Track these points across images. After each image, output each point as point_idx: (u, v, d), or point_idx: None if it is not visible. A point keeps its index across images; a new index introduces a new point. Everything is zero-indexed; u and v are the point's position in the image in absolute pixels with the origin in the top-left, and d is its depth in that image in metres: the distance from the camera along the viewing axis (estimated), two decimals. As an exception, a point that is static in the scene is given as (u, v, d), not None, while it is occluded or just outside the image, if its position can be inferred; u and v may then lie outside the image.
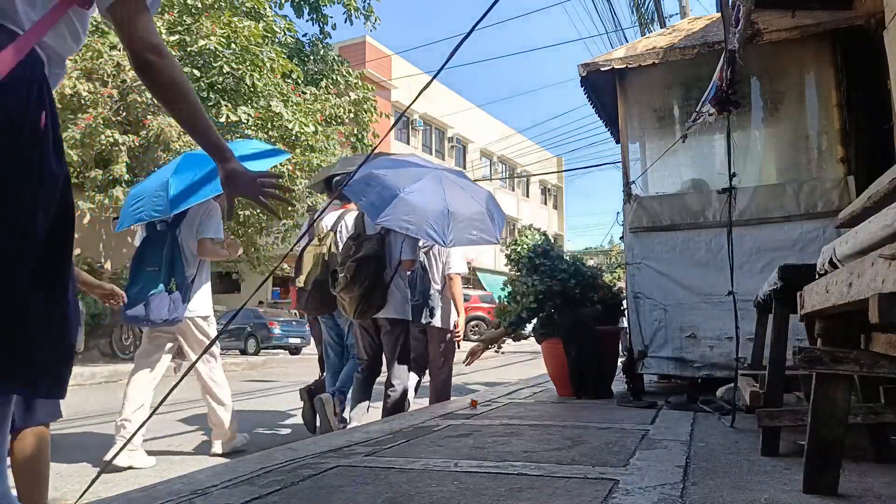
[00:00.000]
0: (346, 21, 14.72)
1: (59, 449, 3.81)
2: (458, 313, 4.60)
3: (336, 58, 14.47)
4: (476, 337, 13.87)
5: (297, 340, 16.52)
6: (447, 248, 4.43)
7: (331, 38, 14.96)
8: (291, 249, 3.25)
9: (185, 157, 3.92)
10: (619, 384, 4.84)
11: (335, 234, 4.37)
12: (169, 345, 3.76)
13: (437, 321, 4.50)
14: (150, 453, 3.54)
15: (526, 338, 4.99)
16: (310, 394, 4.25)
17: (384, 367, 4.07)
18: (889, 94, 3.41)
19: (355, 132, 13.47)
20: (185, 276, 3.54)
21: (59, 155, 1.27)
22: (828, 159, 4.25)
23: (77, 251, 10.81)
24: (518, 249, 4.81)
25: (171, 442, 4.10)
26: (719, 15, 3.45)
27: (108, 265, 11.24)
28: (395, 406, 3.93)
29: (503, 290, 4.96)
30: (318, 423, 4.06)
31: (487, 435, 2.91)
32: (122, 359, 10.27)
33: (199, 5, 10.28)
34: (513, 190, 35.75)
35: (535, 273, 4.56)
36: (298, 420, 4.90)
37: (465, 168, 30.80)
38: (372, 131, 13.96)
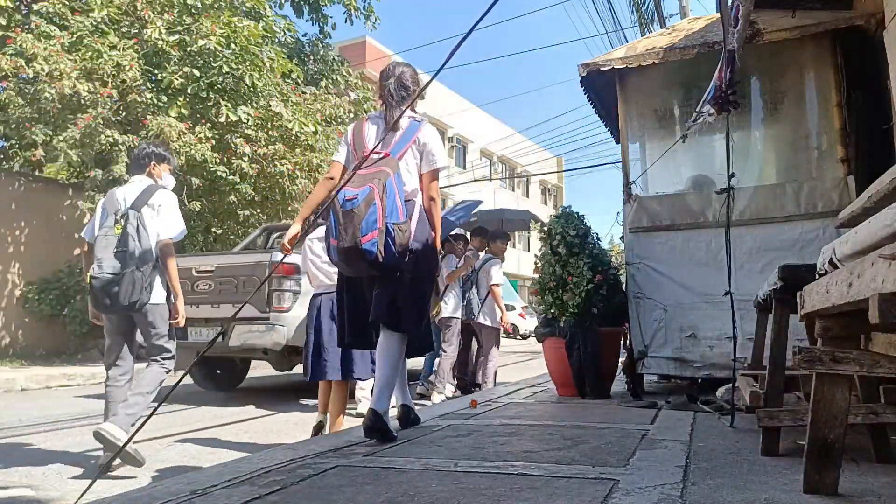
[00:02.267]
0: (346, 21, 14.71)
1: (59, 449, 3.81)
2: (501, 311, 6.14)
3: (336, 58, 14.47)
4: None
5: (297, 340, 16.47)
6: (491, 267, 6.13)
7: (331, 38, 14.96)
8: (291, 249, 3.26)
9: None
10: (619, 384, 4.85)
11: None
12: None
13: (482, 319, 6.04)
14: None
15: (526, 337, 5.14)
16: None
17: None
18: (889, 94, 3.41)
19: (355, 132, 13.45)
20: None
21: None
22: (828, 159, 4.25)
23: (77, 251, 10.81)
24: (556, 225, 4.69)
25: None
26: (719, 15, 3.45)
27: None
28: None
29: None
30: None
31: (487, 435, 2.91)
32: (122, 359, 10.26)
33: (199, 5, 10.26)
34: (513, 190, 35.76)
35: (585, 255, 4.47)
36: (298, 420, 4.91)
37: (465, 168, 30.82)
38: (372, 131, 13.95)
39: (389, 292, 2.80)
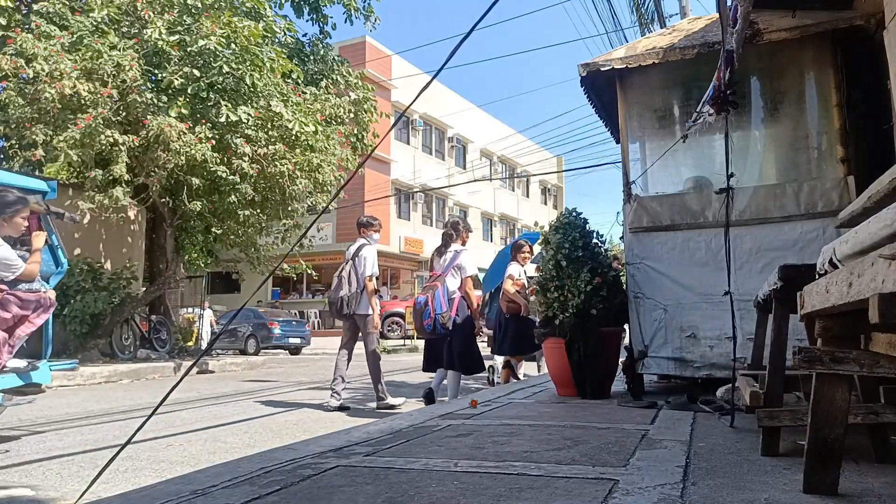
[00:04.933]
0: (346, 21, 14.71)
1: (59, 449, 3.81)
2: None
3: (336, 58, 14.46)
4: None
5: (297, 340, 16.51)
6: None
7: (331, 38, 14.96)
8: (291, 249, 3.29)
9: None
10: (619, 384, 4.84)
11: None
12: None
13: None
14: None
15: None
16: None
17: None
18: (889, 94, 3.41)
19: (355, 132, 13.47)
20: None
21: None
22: (828, 159, 4.25)
23: (77, 251, 10.81)
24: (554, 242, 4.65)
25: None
26: (719, 15, 3.45)
27: (108, 265, 11.23)
28: None
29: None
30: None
31: (487, 435, 2.91)
32: (122, 359, 10.26)
33: (199, 5, 10.26)
34: (513, 190, 35.76)
35: (582, 267, 4.44)
36: (298, 419, 4.91)
37: (464, 168, 30.81)
38: (372, 131, 13.96)
39: (447, 348, 5.32)
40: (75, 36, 9.55)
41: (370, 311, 5.65)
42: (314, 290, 26.65)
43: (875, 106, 4.13)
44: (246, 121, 9.93)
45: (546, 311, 4.64)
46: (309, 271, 13.69)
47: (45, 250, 4.42)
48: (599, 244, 4.70)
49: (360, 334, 5.78)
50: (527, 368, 7.62)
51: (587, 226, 4.69)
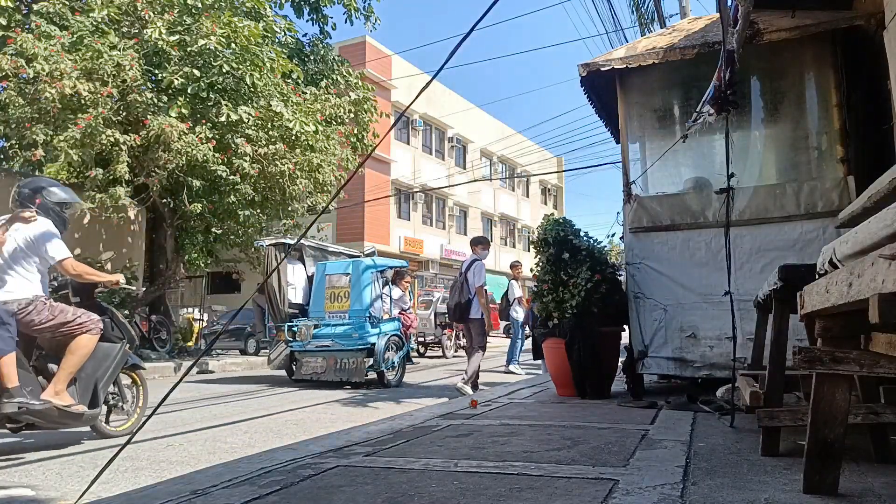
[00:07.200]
0: (346, 21, 14.73)
1: (57, 450, 3.81)
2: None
3: (336, 58, 14.46)
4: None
5: (297, 340, 16.49)
6: None
7: (331, 38, 14.97)
8: (291, 249, 3.29)
9: None
10: (619, 384, 4.84)
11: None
12: None
13: None
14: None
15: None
16: None
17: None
18: (889, 94, 3.41)
19: (355, 132, 13.47)
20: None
21: None
22: (828, 159, 4.24)
23: (77, 251, 10.80)
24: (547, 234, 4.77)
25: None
26: (719, 15, 3.45)
27: (108, 265, 11.22)
28: None
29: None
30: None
31: (487, 435, 2.91)
32: (122, 359, 10.27)
33: (199, 5, 10.25)
34: (513, 190, 35.74)
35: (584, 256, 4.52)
36: (298, 419, 4.91)
37: (464, 168, 30.81)
38: (372, 131, 13.95)
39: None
40: (75, 36, 9.55)
41: (480, 316, 6.54)
42: (314, 290, 26.61)
43: (875, 106, 4.13)
44: (246, 121, 9.93)
45: (545, 310, 4.65)
46: (309, 271, 13.67)
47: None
48: (593, 242, 4.77)
49: (472, 334, 6.60)
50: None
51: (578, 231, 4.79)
